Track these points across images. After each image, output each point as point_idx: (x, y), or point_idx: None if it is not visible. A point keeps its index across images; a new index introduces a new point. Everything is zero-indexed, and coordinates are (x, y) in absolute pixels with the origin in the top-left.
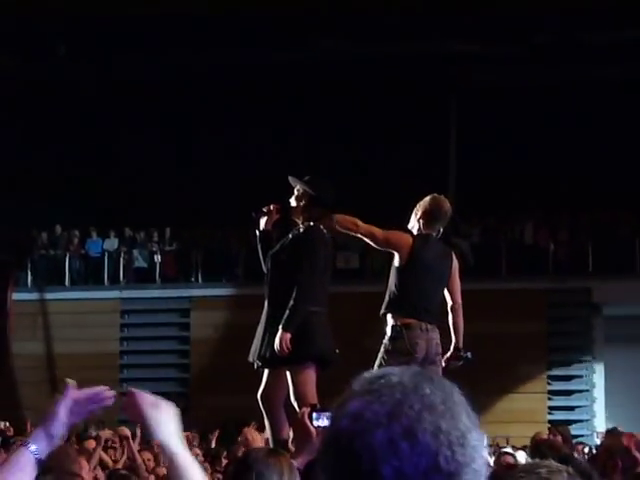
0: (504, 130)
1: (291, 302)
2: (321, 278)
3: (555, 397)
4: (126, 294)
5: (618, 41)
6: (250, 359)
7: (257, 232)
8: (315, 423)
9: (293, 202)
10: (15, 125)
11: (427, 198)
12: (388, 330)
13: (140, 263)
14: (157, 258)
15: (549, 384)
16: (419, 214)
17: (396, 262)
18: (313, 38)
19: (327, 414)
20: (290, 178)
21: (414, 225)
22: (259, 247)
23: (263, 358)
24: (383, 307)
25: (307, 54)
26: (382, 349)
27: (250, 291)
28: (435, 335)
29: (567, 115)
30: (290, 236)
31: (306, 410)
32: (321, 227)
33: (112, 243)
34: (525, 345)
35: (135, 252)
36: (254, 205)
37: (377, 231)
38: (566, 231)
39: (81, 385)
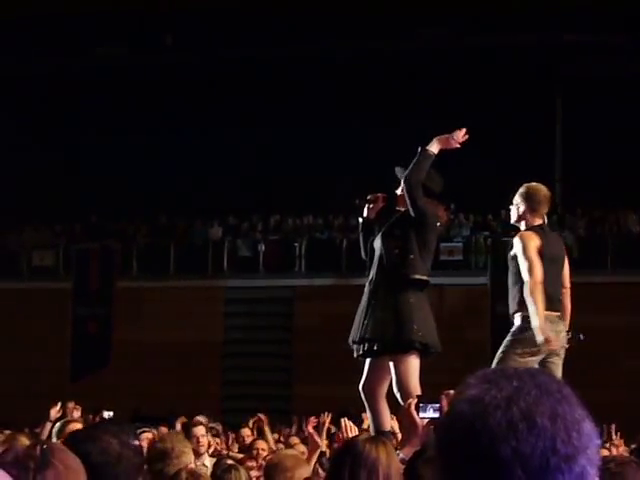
0: (610, 121)
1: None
2: (426, 254)
3: None
4: (230, 283)
5: None
6: (350, 341)
7: (360, 219)
8: (421, 414)
9: (399, 191)
10: (121, 110)
11: (522, 189)
12: (518, 320)
13: (244, 252)
14: (261, 247)
15: None
16: (523, 206)
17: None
18: (414, 29)
19: (434, 405)
20: (397, 168)
21: (520, 219)
22: (361, 235)
23: (365, 342)
24: (516, 302)
25: (411, 43)
26: (510, 337)
27: (353, 281)
28: (563, 327)
29: None
30: (401, 214)
31: (412, 401)
32: (437, 214)
33: (216, 232)
34: (631, 338)
35: (239, 241)
36: (359, 195)
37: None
38: None
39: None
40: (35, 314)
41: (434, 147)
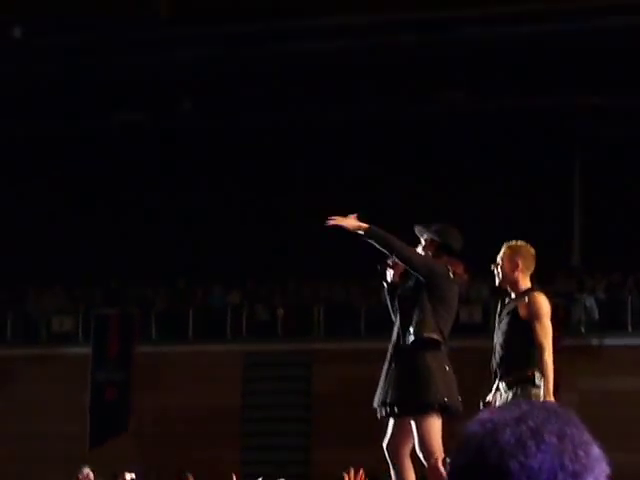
0: (630, 184)
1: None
2: (444, 312)
3: None
4: (248, 348)
5: None
6: (374, 405)
7: (384, 284)
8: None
9: (420, 251)
10: (138, 174)
11: (519, 248)
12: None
13: (262, 317)
14: (279, 312)
15: None
16: (520, 266)
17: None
18: (431, 92)
19: None
20: (416, 227)
21: (520, 280)
22: (387, 299)
23: (386, 406)
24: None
25: (434, 107)
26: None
27: (372, 345)
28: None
29: None
30: (414, 277)
31: (440, 456)
32: (447, 266)
33: (235, 297)
34: None
35: (257, 306)
36: (376, 258)
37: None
38: None
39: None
40: (54, 379)
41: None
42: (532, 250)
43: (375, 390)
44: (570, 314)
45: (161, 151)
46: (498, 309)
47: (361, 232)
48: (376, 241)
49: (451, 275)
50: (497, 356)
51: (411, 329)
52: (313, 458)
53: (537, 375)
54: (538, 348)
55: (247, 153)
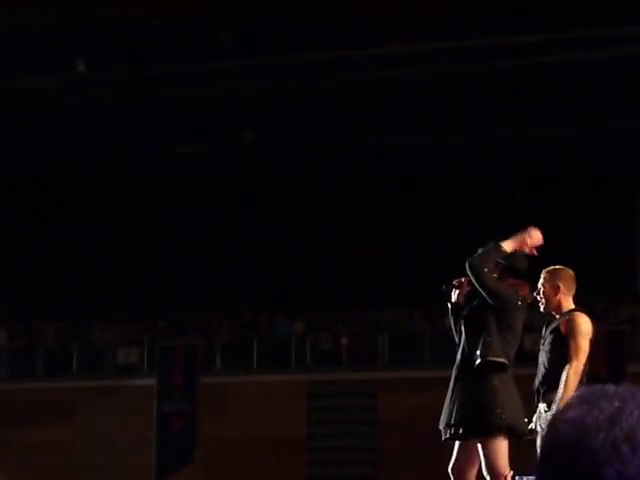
0: None
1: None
2: (510, 337)
3: None
4: (313, 377)
5: None
6: (440, 427)
7: (449, 305)
8: None
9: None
10: (199, 206)
11: (558, 272)
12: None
13: (326, 346)
14: (343, 341)
15: None
16: (562, 289)
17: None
18: (492, 119)
19: (529, 478)
20: (480, 250)
21: (563, 302)
22: (451, 319)
23: (451, 427)
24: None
25: (485, 134)
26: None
27: (437, 373)
28: None
29: None
30: (480, 299)
31: (509, 474)
32: (517, 292)
33: (299, 326)
34: None
35: (321, 335)
36: (438, 284)
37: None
38: None
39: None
40: (120, 411)
41: (508, 245)
42: (571, 272)
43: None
44: (635, 340)
45: (220, 183)
46: (543, 331)
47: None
48: (493, 255)
49: (519, 302)
50: (540, 375)
51: (478, 351)
52: None
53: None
54: (568, 364)
55: (309, 182)
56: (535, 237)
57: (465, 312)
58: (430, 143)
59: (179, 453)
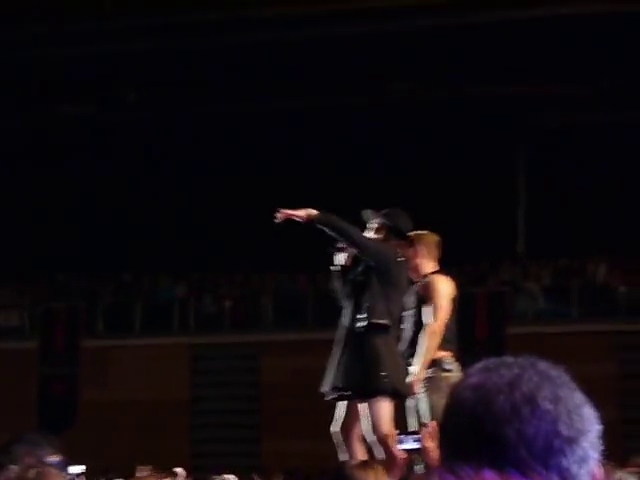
0: (574, 170)
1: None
2: (394, 295)
3: (630, 440)
4: (196, 340)
5: None
6: (324, 389)
7: (334, 268)
8: (402, 446)
9: (372, 235)
10: (87, 170)
11: (421, 236)
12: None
13: (209, 309)
14: (227, 304)
15: (624, 426)
16: (421, 253)
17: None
18: (381, 81)
19: (414, 437)
20: (365, 212)
21: (421, 265)
22: (337, 283)
23: (337, 390)
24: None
25: (375, 98)
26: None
27: (320, 336)
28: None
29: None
30: (362, 262)
31: (392, 434)
32: (396, 249)
33: (182, 290)
34: (598, 387)
35: (205, 298)
36: (323, 248)
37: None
38: (638, 272)
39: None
40: (1, 374)
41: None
42: (435, 237)
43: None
44: (515, 302)
45: (105, 143)
46: (410, 295)
47: (312, 219)
48: (327, 227)
49: (401, 258)
50: (405, 339)
51: (362, 314)
52: (263, 449)
53: (446, 359)
54: (427, 327)
55: (194, 143)
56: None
57: (350, 276)
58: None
59: (60, 417)
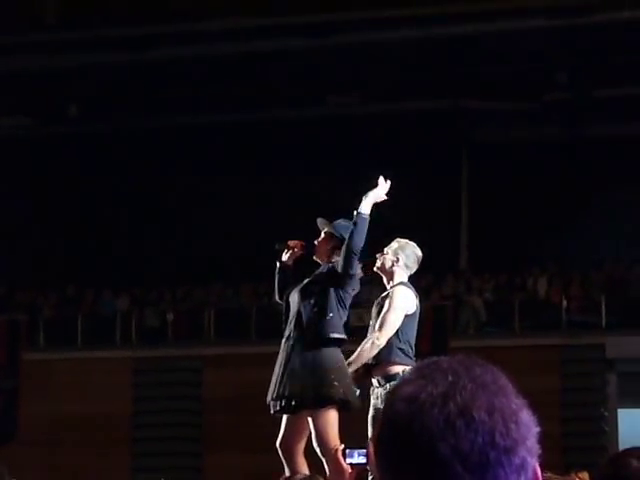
0: (516, 186)
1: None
2: (344, 309)
3: (570, 453)
4: (138, 354)
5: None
6: (268, 399)
7: (277, 263)
8: (348, 460)
9: (320, 242)
10: (28, 184)
11: (407, 246)
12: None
13: (152, 322)
14: (169, 317)
15: (564, 440)
16: (400, 262)
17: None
18: (324, 94)
19: (360, 451)
20: (319, 220)
21: (396, 274)
22: (276, 277)
23: (282, 399)
24: (393, 356)
25: (317, 110)
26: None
27: (263, 349)
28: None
29: (581, 172)
30: (320, 270)
31: (339, 447)
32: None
33: (123, 302)
34: (539, 401)
35: (147, 311)
36: (266, 261)
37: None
38: (578, 287)
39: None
40: None
41: (366, 207)
42: (418, 252)
43: (267, 392)
44: (458, 315)
45: (48, 155)
46: (375, 304)
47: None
48: (364, 226)
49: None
50: None
51: (319, 328)
52: (205, 463)
53: (406, 372)
54: (372, 336)
55: (137, 156)
56: (384, 185)
57: (303, 285)
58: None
59: (0, 431)
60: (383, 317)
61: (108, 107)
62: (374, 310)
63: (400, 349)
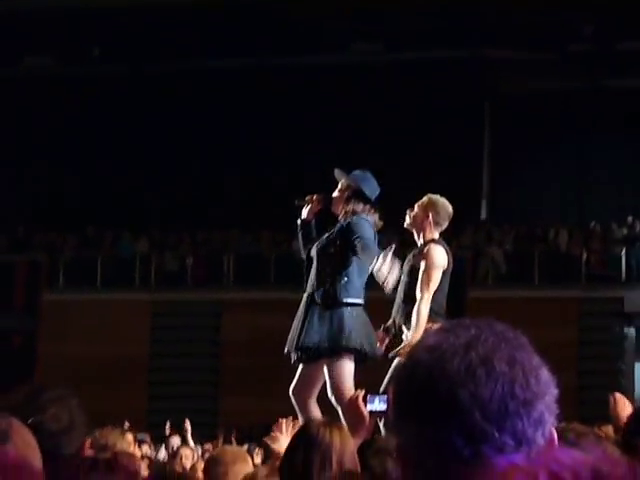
0: (538, 137)
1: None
2: (365, 266)
3: (586, 406)
4: (157, 297)
5: None
6: (286, 350)
7: (298, 221)
8: (369, 407)
9: (336, 194)
10: (48, 125)
11: (437, 201)
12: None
13: (171, 266)
14: (188, 261)
15: (580, 393)
16: (430, 218)
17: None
18: (344, 42)
19: (382, 397)
20: (336, 171)
21: (427, 230)
22: (299, 235)
23: (299, 350)
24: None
25: (339, 57)
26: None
27: (281, 295)
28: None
29: (601, 125)
30: (337, 229)
31: (359, 393)
32: (367, 218)
33: (143, 245)
34: (556, 353)
35: (166, 255)
36: (286, 208)
37: None
38: (599, 240)
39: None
40: None
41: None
42: (449, 208)
43: (286, 338)
44: (477, 266)
45: (69, 97)
46: (406, 260)
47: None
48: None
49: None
50: (397, 303)
51: (337, 292)
52: (220, 407)
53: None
54: (420, 295)
55: (157, 100)
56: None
57: (322, 243)
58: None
59: (18, 371)
60: (424, 276)
61: (130, 50)
62: (406, 267)
63: (430, 308)
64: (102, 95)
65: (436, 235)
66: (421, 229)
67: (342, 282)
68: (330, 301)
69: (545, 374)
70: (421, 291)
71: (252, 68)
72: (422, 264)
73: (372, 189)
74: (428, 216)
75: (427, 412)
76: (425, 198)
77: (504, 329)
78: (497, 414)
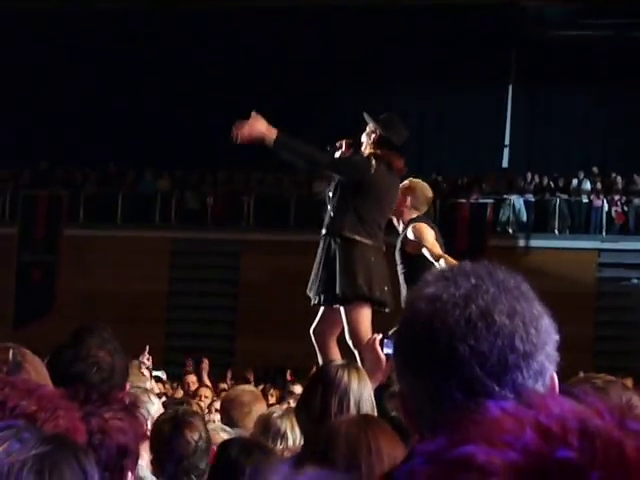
0: (563, 87)
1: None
2: (372, 205)
3: (601, 357)
4: (177, 235)
5: None
6: (308, 292)
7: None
8: (386, 350)
9: (363, 138)
10: (66, 59)
11: (415, 186)
12: None
13: (192, 205)
14: (209, 200)
15: (596, 343)
16: (407, 203)
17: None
18: None
19: None
20: (365, 114)
21: (405, 213)
22: (328, 185)
23: (318, 295)
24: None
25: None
26: None
27: (300, 237)
28: None
29: (629, 74)
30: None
31: (377, 336)
32: (375, 161)
33: (165, 183)
34: (574, 303)
35: (187, 193)
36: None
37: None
38: (620, 191)
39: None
40: None
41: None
42: (428, 193)
43: (305, 280)
44: (498, 214)
45: (94, 31)
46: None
47: (269, 144)
48: (286, 151)
49: (372, 168)
50: (404, 298)
51: (340, 227)
52: (237, 347)
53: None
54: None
55: (182, 40)
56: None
57: (332, 187)
58: None
59: (38, 304)
60: (425, 250)
61: None
62: (397, 255)
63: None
64: (125, 30)
65: (413, 214)
66: (399, 213)
67: (344, 219)
68: (336, 238)
69: (546, 322)
70: (436, 260)
71: (281, 9)
72: (414, 242)
73: (399, 135)
74: (406, 200)
75: (426, 365)
76: (406, 182)
77: (505, 277)
78: (497, 368)
